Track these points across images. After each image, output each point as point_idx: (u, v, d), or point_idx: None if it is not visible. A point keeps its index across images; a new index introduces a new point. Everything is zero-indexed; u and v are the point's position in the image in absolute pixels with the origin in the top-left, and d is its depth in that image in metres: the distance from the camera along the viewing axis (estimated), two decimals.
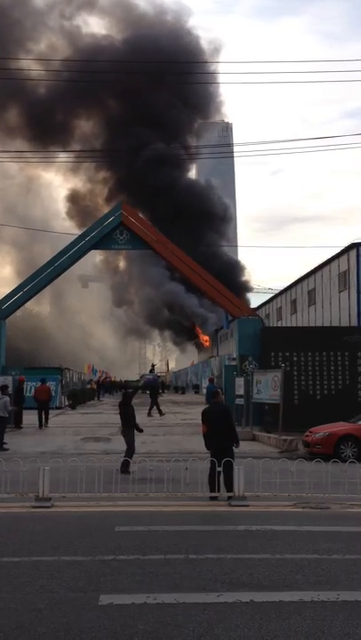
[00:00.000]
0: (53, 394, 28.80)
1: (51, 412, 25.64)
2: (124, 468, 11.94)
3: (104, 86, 53.44)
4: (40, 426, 22.89)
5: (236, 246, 74.84)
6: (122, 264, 70.33)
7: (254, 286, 75.03)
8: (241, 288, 61.53)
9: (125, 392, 15.92)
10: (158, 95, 56.11)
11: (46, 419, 23.37)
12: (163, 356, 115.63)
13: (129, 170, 56.44)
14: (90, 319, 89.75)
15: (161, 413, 27.24)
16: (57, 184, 70.20)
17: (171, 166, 56.66)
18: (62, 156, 59.76)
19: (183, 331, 72.28)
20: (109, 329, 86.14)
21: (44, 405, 23.29)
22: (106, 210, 64.92)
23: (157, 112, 58.13)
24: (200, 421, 11.61)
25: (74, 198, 67.71)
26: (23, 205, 73.44)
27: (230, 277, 55.65)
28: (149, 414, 26.89)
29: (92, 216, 65.32)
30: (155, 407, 27.64)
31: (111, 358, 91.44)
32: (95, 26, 64.37)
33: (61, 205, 72.57)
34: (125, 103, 61.06)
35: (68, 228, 71.15)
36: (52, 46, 62.19)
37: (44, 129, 59.32)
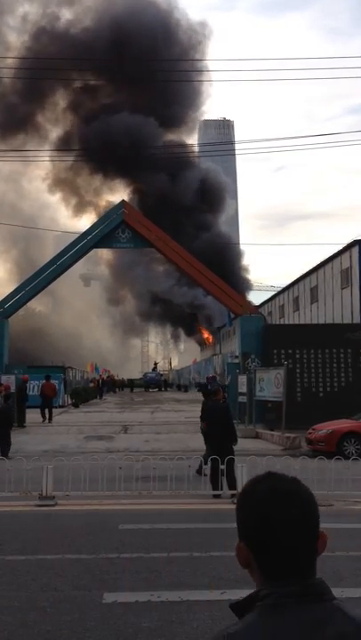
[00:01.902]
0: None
1: (54, 410, 25.73)
2: (198, 468, 11.78)
3: (85, 70, 53.31)
4: (43, 420, 23.32)
5: (239, 244, 74.55)
6: (108, 257, 69.58)
7: (256, 284, 74.56)
8: (238, 275, 61.47)
9: (207, 392, 15.81)
10: (144, 85, 55.49)
11: (50, 415, 23.77)
12: (165, 354, 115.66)
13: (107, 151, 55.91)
14: (91, 318, 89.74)
15: None
16: (42, 174, 67.79)
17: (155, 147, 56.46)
18: (44, 153, 58.93)
19: (178, 322, 72.26)
20: (110, 327, 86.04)
21: (48, 402, 23.92)
22: (94, 193, 64.87)
23: (141, 100, 57.95)
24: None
25: (59, 184, 66.97)
26: (11, 200, 72.88)
27: (226, 263, 55.88)
28: None
29: (83, 199, 65.38)
30: None
31: (113, 357, 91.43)
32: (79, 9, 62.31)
33: (48, 195, 71.60)
34: (108, 86, 60.67)
35: (58, 219, 70.92)
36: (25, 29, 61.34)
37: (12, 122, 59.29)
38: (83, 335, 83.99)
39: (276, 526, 1.29)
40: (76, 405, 32.32)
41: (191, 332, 75.27)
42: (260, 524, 1.31)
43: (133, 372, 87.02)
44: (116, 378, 66.26)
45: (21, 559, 6.90)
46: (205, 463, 11.20)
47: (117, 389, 59.73)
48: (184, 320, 69.90)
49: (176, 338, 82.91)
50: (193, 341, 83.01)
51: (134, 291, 70.01)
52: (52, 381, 26.05)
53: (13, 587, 6.01)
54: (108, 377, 59.50)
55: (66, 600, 5.56)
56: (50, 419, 23.83)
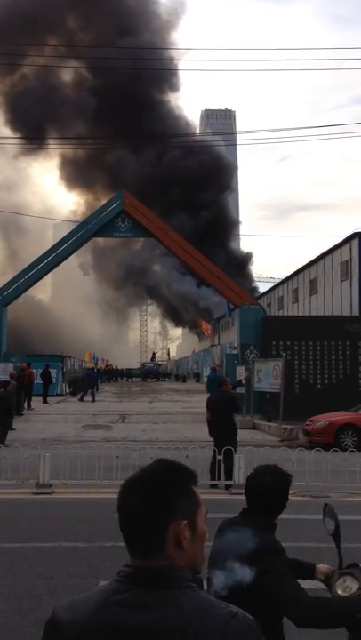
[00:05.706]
0: (54, 381, 28.89)
1: (52, 399, 25.69)
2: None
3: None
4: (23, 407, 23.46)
5: (239, 235, 74.35)
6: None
7: (256, 275, 74.43)
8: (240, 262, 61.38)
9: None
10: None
11: (29, 402, 23.81)
12: (164, 344, 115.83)
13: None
14: (90, 306, 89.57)
15: (93, 399, 28.08)
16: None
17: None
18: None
19: (167, 309, 72.46)
20: (106, 316, 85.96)
21: (26, 389, 23.68)
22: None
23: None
24: (201, 409, 11.65)
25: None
26: None
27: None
28: (82, 399, 28.00)
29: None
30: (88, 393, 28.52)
31: (111, 346, 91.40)
32: None
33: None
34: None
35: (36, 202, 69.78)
36: None
37: None
38: (81, 324, 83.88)
39: (121, 510, 1.42)
40: (74, 394, 32.34)
41: (179, 319, 75.45)
42: (117, 507, 1.44)
43: (132, 361, 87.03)
44: (114, 367, 66.21)
45: (17, 547, 6.92)
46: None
47: (118, 378, 59.57)
48: (172, 308, 70.13)
49: (167, 320, 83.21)
50: (192, 332, 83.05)
51: (123, 279, 70.24)
52: (51, 370, 26.06)
53: (9, 574, 6.03)
54: (106, 366, 59.40)
55: (62, 588, 5.58)
56: (28, 405, 23.78)
